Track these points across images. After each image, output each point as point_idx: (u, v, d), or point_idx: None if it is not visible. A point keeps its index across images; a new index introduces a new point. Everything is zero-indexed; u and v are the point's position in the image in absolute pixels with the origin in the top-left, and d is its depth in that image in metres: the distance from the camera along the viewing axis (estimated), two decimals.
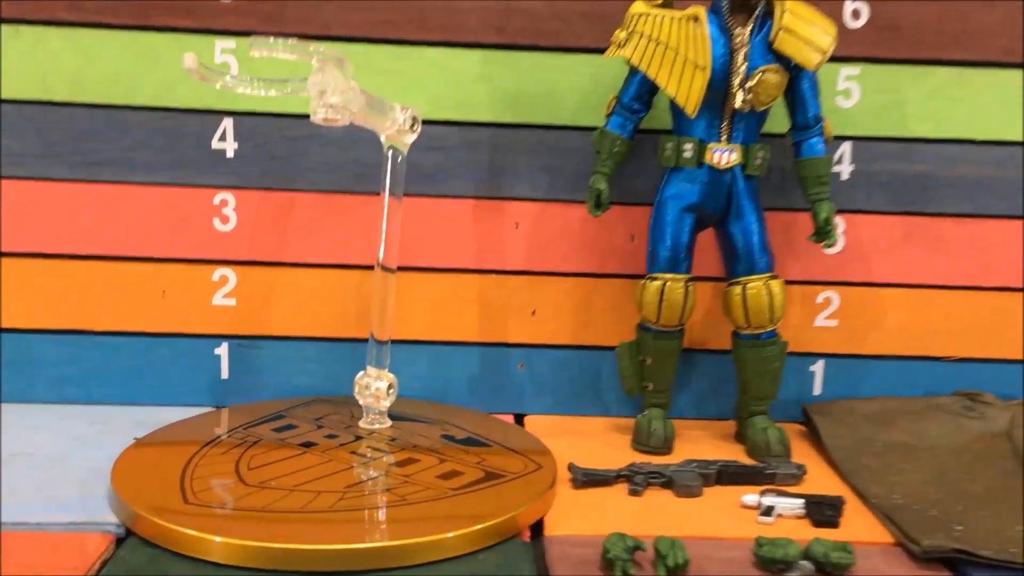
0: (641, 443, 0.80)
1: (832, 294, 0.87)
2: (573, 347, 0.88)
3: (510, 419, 0.87)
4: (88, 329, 0.84)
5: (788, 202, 0.84)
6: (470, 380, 0.87)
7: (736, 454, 0.80)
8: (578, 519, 0.67)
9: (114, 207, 0.83)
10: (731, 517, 0.68)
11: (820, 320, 0.87)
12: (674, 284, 0.78)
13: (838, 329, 0.87)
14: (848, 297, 0.87)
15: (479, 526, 0.62)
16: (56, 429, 0.78)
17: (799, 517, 0.68)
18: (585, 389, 0.88)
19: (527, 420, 0.87)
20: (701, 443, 0.83)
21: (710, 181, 0.78)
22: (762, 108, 0.76)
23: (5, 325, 0.83)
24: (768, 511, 0.68)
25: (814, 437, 0.83)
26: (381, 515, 0.63)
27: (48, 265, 0.83)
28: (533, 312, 0.87)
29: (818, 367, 0.88)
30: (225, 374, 0.85)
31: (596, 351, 0.88)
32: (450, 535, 0.61)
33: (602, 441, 0.82)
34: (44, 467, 0.70)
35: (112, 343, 0.84)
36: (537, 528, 0.66)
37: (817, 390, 0.88)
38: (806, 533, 0.66)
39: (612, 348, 0.86)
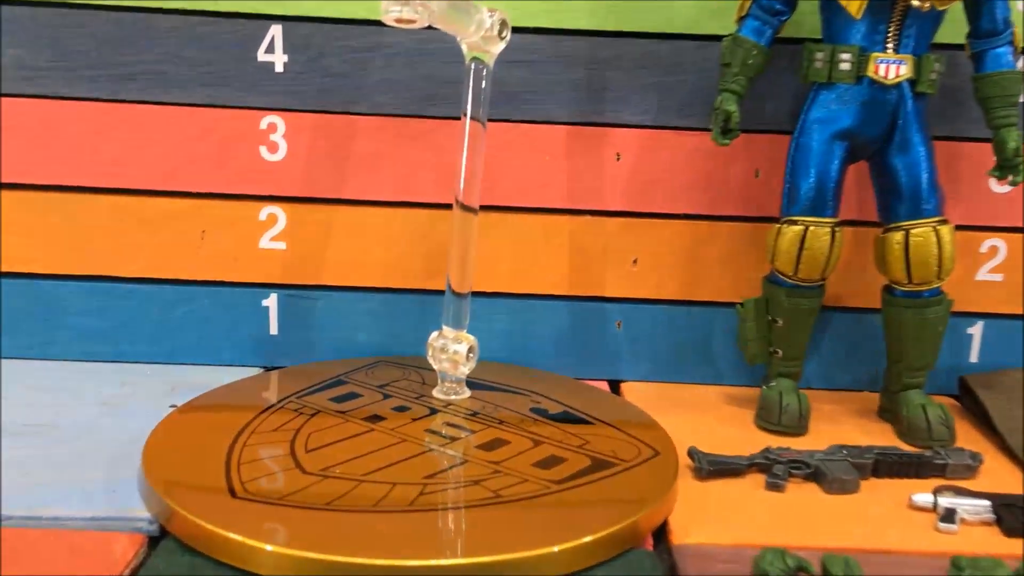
0: (770, 421, 0.66)
1: (998, 242, 0.72)
2: (680, 303, 0.74)
3: (604, 386, 0.74)
4: (116, 275, 0.72)
5: (949, 128, 0.69)
6: (558, 340, 0.74)
7: (884, 436, 0.67)
8: (710, 522, 0.54)
9: (142, 131, 0.70)
10: (902, 522, 0.55)
11: (982, 274, 0.73)
12: (818, 230, 0.64)
13: (1003, 284, 0.73)
14: (1017, 247, 0.72)
15: (592, 537, 0.49)
16: (78, 392, 0.67)
17: (986, 523, 0.55)
18: (693, 353, 0.75)
19: (624, 388, 0.74)
20: (838, 421, 0.69)
21: (870, 100, 0.63)
22: (944, 7, 0.60)
23: (17, 269, 0.71)
24: (949, 516, 0.54)
25: (975, 414, 0.70)
26: (471, 519, 0.51)
27: (67, 200, 0.70)
28: (634, 261, 0.73)
29: (976, 329, 0.74)
30: (274, 330, 0.73)
31: (708, 308, 0.74)
32: (555, 549, 0.48)
33: (716, 416, 0.69)
34: (62, 441, 0.59)
35: (144, 292, 0.72)
36: (660, 533, 0.54)
37: (973, 357, 0.74)
38: (995, 544, 0.53)
39: (726, 305, 0.73)
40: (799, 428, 0.66)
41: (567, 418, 0.64)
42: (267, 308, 0.73)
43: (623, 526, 0.50)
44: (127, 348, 0.73)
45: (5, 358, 0.72)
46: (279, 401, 0.64)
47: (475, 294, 0.70)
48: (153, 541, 0.50)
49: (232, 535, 0.47)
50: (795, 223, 0.64)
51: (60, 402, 0.65)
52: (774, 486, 0.58)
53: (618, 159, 0.72)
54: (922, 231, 0.63)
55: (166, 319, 0.72)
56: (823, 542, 0.52)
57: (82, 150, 0.70)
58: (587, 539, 0.49)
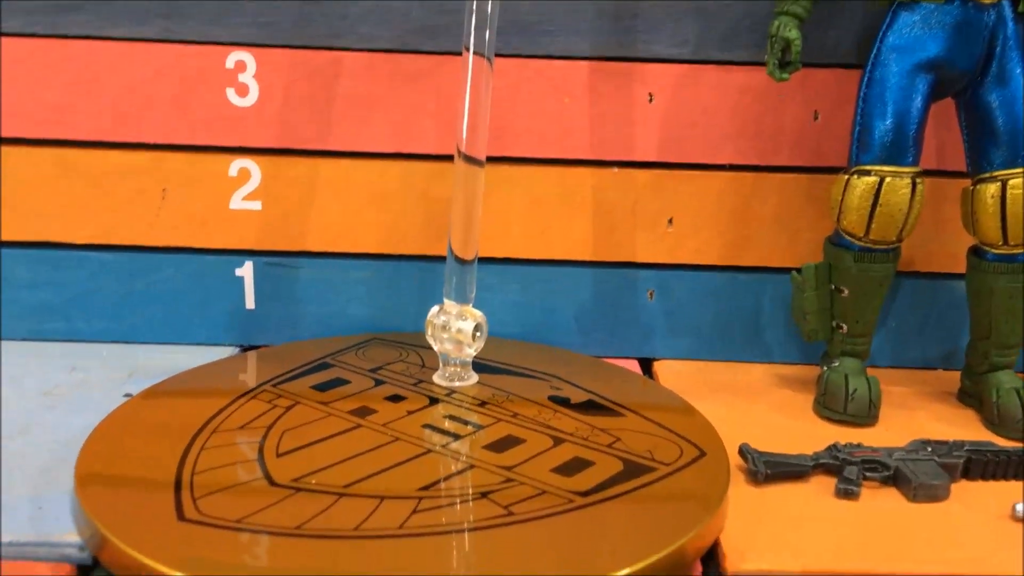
0: (834, 410, 0.56)
1: None
2: (724, 269, 0.63)
3: (634, 367, 0.64)
4: (66, 242, 0.62)
5: None
6: (580, 313, 0.64)
7: (967, 425, 0.56)
8: (771, 542, 0.44)
9: (90, 73, 0.59)
10: (1005, 538, 0.45)
11: None
12: (896, 181, 0.53)
13: None
14: None
15: (628, 570, 0.39)
16: (19, 380, 0.57)
17: None
18: (739, 327, 0.64)
19: (657, 368, 0.64)
20: (910, 407, 0.59)
21: (963, 22, 0.52)
22: None
23: None
24: None
25: None
26: (476, 546, 0.41)
27: (9, 155, 0.60)
28: (669, 221, 0.62)
29: None
30: (250, 303, 0.63)
31: (756, 275, 0.63)
32: None
33: (767, 403, 0.59)
34: None
35: (98, 260, 0.62)
36: (709, 557, 0.44)
37: None
38: None
39: (778, 271, 0.62)
40: (869, 418, 0.55)
41: (593, 407, 0.54)
42: (241, 278, 0.63)
43: (666, 553, 0.40)
44: (82, 326, 0.63)
45: None
46: (251, 390, 0.54)
47: (483, 261, 0.60)
48: (84, 571, 0.41)
49: (174, 573, 0.37)
50: (868, 173, 0.53)
51: None
52: (846, 493, 0.48)
53: (650, 100, 0.61)
54: (1022, 182, 0.52)
55: (125, 292, 0.62)
56: (912, 567, 0.42)
57: (19, 95, 0.59)
58: (623, 572, 0.39)
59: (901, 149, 0.53)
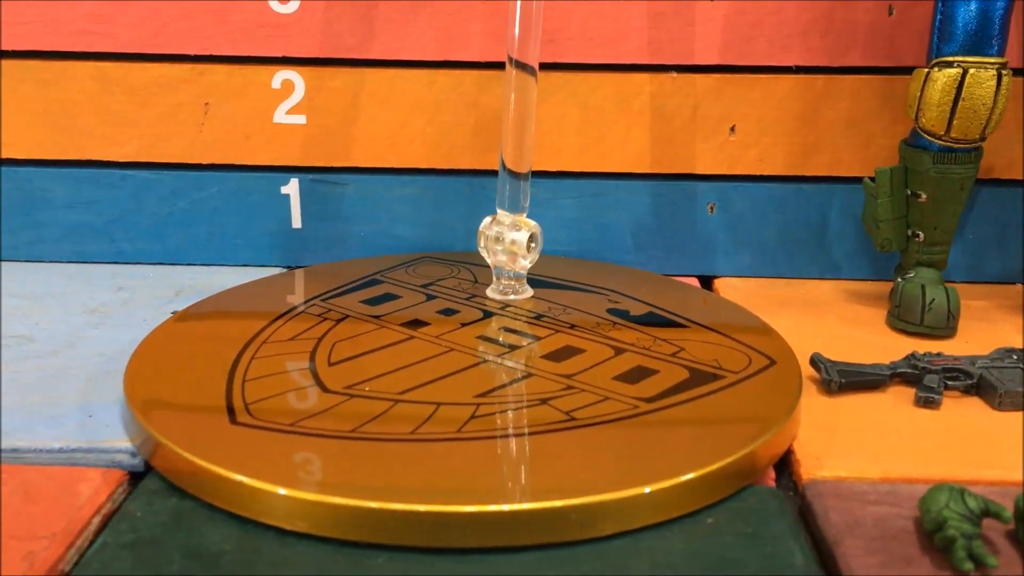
0: (910, 321, 0.53)
1: None
2: (789, 180, 0.60)
3: (694, 283, 0.61)
4: (106, 160, 0.60)
5: None
6: (637, 228, 0.61)
7: None
8: (849, 449, 0.41)
9: None
10: None
11: None
12: (980, 73, 0.49)
13: None
14: None
15: (695, 473, 0.37)
16: (65, 299, 0.56)
17: None
18: (806, 241, 0.61)
19: (718, 285, 0.61)
20: (991, 320, 0.55)
21: None
22: None
23: None
24: None
25: None
26: (537, 448, 0.39)
27: (41, 68, 0.58)
28: (732, 128, 0.59)
29: None
30: (296, 222, 0.61)
31: (824, 185, 0.60)
32: (646, 490, 0.36)
33: (838, 317, 0.56)
34: (35, 357, 0.48)
35: (140, 179, 0.60)
36: (782, 465, 0.42)
37: None
38: None
39: (849, 181, 0.59)
40: (947, 330, 0.52)
41: (654, 320, 0.51)
42: (287, 196, 0.61)
43: (737, 457, 0.38)
44: (125, 247, 0.62)
45: None
46: (299, 304, 0.52)
47: (535, 174, 0.57)
48: (136, 479, 0.39)
49: (233, 475, 0.36)
50: (950, 65, 0.50)
51: (42, 311, 0.54)
52: (927, 401, 0.45)
53: None
54: None
55: (168, 212, 0.61)
56: (1001, 474, 0.40)
57: (54, 4, 0.57)
58: (689, 476, 0.37)
59: (985, 39, 0.49)
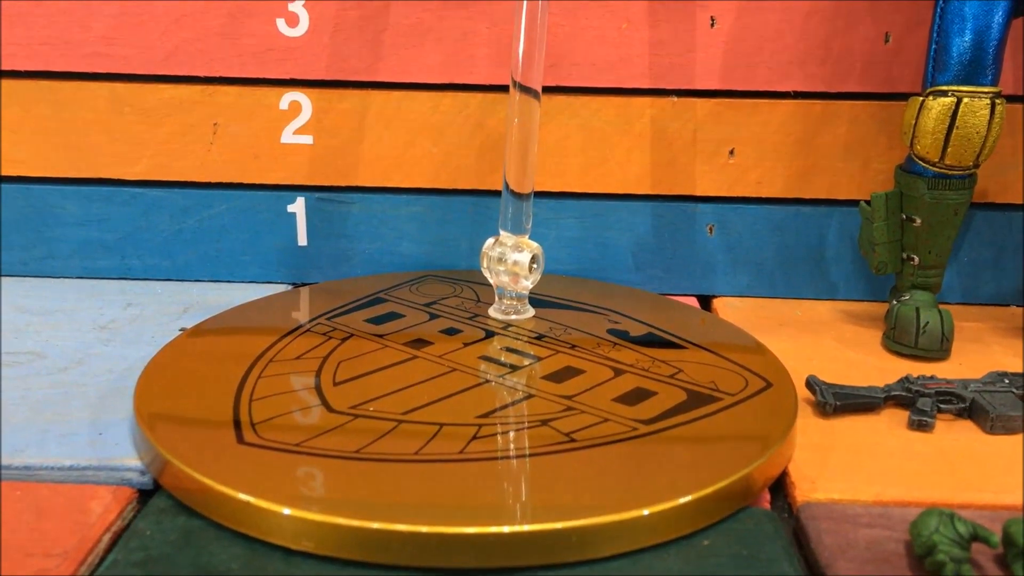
0: (904, 343, 0.54)
1: None
2: (788, 202, 0.61)
3: (693, 303, 0.62)
4: (118, 178, 0.61)
5: None
6: (637, 248, 0.62)
7: None
8: (843, 472, 0.42)
9: (139, 4, 0.58)
10: None
11: None
12: (974, 102, 0.50)
13: None
14: None
15: (692, 496, 0.38)
16: (75, 315, 0.57)
17: None
18: (803, 262, 0.62)
19: (717, 305, 0.62)
20: (984, 342, 0.56)
21: None
22: None
23: (5, 172, 0.61)
24: None
25: None
26: (538, 469, 0.40)
27: (56, 88, 0.60)
28: (731, 152, 0.60)
29: None
30: (302, 240, 0.62)
31: (822, 207, 0.61)
32: (645, 512, 0.37)
33: (834, 337, 0.57)
34: (47, 374, 0.49)
35: (150, 197, 0.62)
36: (778, 486, 0.42)
37: None
38: None
39: (846, 203, 0.60)
40: (940, 352, 0.53)
41: (653, 341, 0.52)
42: (294, 214, 0.62)
43: (733, 480, 0.39)
44: (135, 263, 0.63)
45: None
46: (305, 323, 0.53)
47: (537, 195, 0.58)
48: (145, 496, 0.40)
49: (240, 495, 0.37)
50: (944, 94, 0.51)
51: (52, 326, 0.55)
52: (920, 425, 0.46)
53: (712, 25, 0.58)
54: None
55: (177, 229, 0.62)
56: (992, 498, 0.41)
57: (69, 27, 0.59)
58: (687, 498, 0.38)
59: (979, 68, 0.50)
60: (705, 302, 0.63)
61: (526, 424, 0.43)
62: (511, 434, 0.42)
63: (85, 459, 0.41)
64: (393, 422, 0.43)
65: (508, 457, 0.40)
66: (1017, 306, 0.61)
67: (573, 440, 0.42)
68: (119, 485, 0.41)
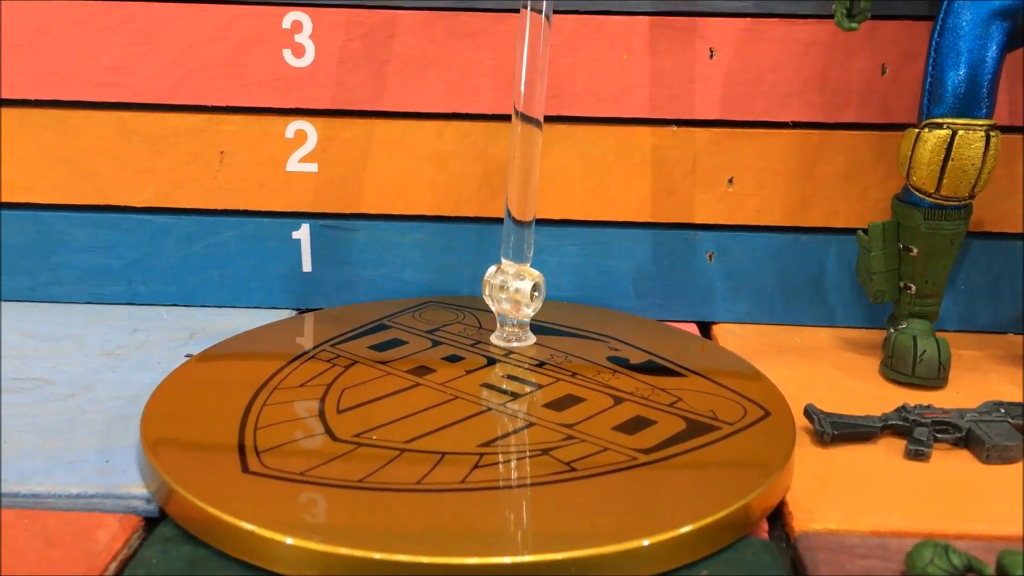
0: (902, 372, 0.54)
1: None
2: (786, 230, 0.62)
3: (693, 330, 0.62)
4: (124, 205, 0.62)
5: None
6: (638, 275, 0.63)
7: None
8: (840, 502, 0.43)
9: (147, 34, 0.59)
10: None
11: None
12: (969, 134, 0.51)
13: None
14: None
15: (692, 526, 0.38)
16: (81, 341, 0.58)
17: None
18: (802, 290, 0.63)
19: (716, 332, 0.62)
20: (981, 371, 0.57)
21: None
22: None
23: (13, 198, 0.62)
24: None
25: None
26: (538, 499, 0.40)
27: (63, 117, 0.61)
28: (730, 180, 0.61)
29: None
30: (307, 266, 0.63)
31: (820, 236, 0.62)
32: (645, 543, 0.37)
33: (832, 366, 0.58)
34: (53, 400, 0.50)
35: (157, 224, 0.62)
36: (775, 516, 0.43)
37: None
38: None
39: (844, 232, 0.61)
40: (938, 380, 0.54)
41: (653, 368, 0.53)
42: (298, 241, 0.63)
43: (733, 510, 0.40)
44: (141, 288, 0.63)
45: (3, 300, 0.63)
46: (310, 350, 0.54)
47: (539, 223, 0.59)
48: (152, 524, 0.41)
49: (244, 524, 0.37)
50: (939, 126, 0.51)
51: (59, 352, 0.56)
52: (917, 454, 0.46)
53: (711, 56, 0.59)
54: None
55: (183, 256, 0.63)
56: (987, 528, 0.41)
57: (78, 57, 0.60)
58: (687, 528, 0.38)
59: (974, 101, 0.51)
60: (705, 329, 0.63)
61: (527, 453, 0.44)
62: (512, 463, 0.43)
63: (92, 487, 0.42)
64: (396, 451, 0.43)
65: (509, 487, 0.41)
66: (1015, 334, 0.62)
67: (573, 469, 0.42)
68: (126, 513, 0.41)
